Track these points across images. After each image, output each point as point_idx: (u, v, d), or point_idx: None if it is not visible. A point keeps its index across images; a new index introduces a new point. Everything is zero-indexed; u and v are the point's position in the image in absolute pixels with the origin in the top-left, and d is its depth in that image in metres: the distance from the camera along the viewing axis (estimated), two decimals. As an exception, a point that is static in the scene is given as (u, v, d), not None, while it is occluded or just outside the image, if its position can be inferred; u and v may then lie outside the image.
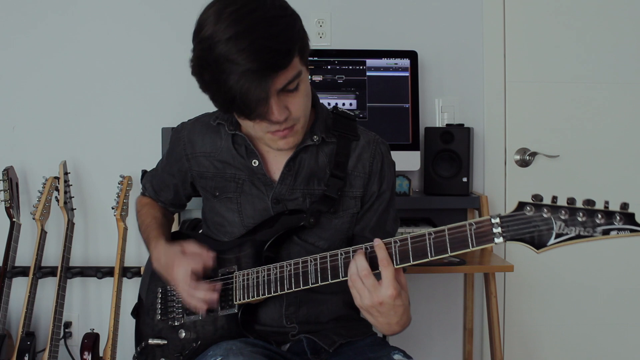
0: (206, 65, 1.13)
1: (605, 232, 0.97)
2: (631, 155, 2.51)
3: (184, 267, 1.30)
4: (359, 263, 1.14)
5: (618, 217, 0.97)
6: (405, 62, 2.31)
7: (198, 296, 1.29)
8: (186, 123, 1.48)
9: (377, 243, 1.13)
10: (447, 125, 2.33)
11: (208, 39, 1.12)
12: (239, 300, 1.32)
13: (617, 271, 2.53)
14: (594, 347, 2.54)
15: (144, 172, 1.66)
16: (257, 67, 1.09)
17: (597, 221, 0.98)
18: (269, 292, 1.27)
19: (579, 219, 0.99)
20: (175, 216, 1.70)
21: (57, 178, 2.30)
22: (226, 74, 1.10)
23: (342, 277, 1.18)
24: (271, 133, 1.23)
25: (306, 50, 1.21)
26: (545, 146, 2.48)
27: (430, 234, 1.11)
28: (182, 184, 1.51)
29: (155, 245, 1.42)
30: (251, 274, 1.31)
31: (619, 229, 0.97)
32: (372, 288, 1.12)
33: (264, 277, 1.28)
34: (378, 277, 1.13)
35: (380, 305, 1.12)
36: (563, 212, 1.00)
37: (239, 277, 1.33)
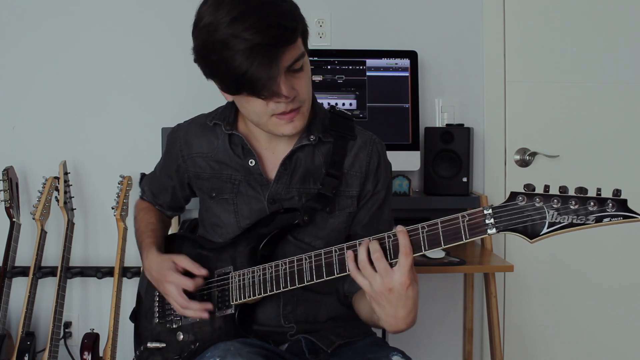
0: (211, 47, 1.13)
1: (598, 220, 0.97)
2: (631, 155, 2.51)
3: (175, 284, 1.31)
4: (372, 246, 1.11)
5: (610, 204, 0.96)
6: (405, 62, 2.31)
7: (189, 313, 1.32)
8: (182, 124, 1.48)
9: (400, 229, 1.10)
10: (447, 125, 2.33)
11: (210, 24, 1.13)
12: (235, 300, 1.32)
13: (617, 271, 2.53)
14: (594, 347, 2.54)
15: (143, 175, 1.66)
16: (266, 42, 1.09)
17: (590, 208, 0.97)
18: (265, 292, 1.27)
19: (572, 207, 0.99)
20: (175, 217, 1.69)
21: (57, 178, 2.30)
22: (234, 51, 1.10)
23: (337, 274, 1.18)
24: (277, 117, 1.23)
25: (307, 35, 1.24)
26: (545, 146, 2.48)
27: (423, 227, 1.10)
28: (179, 186, 1.51)
29: (147, 254, 1.42)
30: (247, 274, 1.30)
31: (612, 216, 0.96)
32: (383, 272, 1.09)
33: (259, 276, 1.28)
34: None
35: (389, 292, 1.09)
36: (555, 200, 1.00)
37: (234, 278, 1.33)
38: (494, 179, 2.49)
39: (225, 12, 1.11)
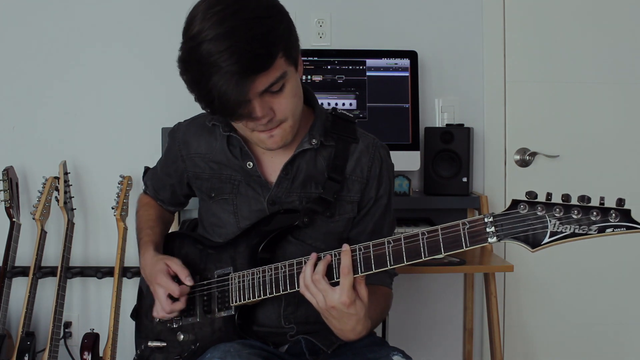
0: (189, 68, 1.15)
1: (601, 230, 0.95)
2: (631, 155, 2.51)
3: (163, 287, 1.32)
4: (317, 267, 1.17)
5: (614, 214, 0.95)
6: (405, 62, 2.31)
7: (168, 316, 1.34)
8: (182, 124, 1.48)
9: (344, 249, 1.16)
10: (447, 125, 2.33)
11: (194, 37, 1.13)
12: (235, 302, 1.31)
13: (617, 271, 2.53)
14: (594, 347, 2.54)
15: (146, 169, 1.65)
16: (236, 70, 1.09)
17: (593, 218, 0.96)
18: (265, 294, 1.27)
19: (574, 216, 0.97)
20: (175, 216, 1.69)
21: (57, 178, 2.30)
22: (207, 77, 1.11)
23: (337, 278, 1.18)
24: (258, 132, 1.23)
25: (293, 49, 1.19)
26: (545, 146, 2.48)
27: (423, 233, 1.10)
28: (178, 184, 1.51)
29: (143, 253, 1.43)
30: (247, 276, 1.30)
31: (615, 226, 0.95)
32: (324, 292, 1.16)
33: (259, 278, 1.28)
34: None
35: (332, 309, 1.16)
36: (557, 209, 0.99)
37: (234, 279, 1.32)
38: (494, 179, 2.49)
39: (208, 26, 1.11)
